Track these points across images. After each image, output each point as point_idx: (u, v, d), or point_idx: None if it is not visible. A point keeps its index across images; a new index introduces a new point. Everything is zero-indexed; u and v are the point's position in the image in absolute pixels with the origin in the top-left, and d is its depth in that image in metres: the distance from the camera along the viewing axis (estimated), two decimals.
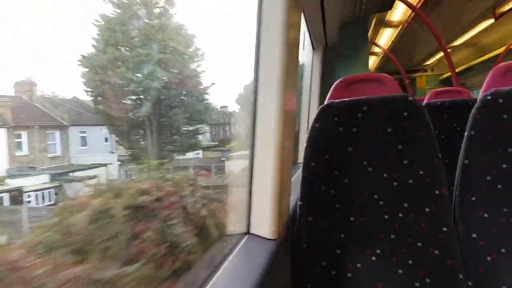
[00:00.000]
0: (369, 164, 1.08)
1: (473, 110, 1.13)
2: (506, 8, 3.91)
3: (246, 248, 0.93)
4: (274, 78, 0.91)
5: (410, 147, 1.06)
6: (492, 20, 4.33)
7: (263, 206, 0.95)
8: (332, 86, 1.25)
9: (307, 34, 2.56)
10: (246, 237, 0.97)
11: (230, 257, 0.84)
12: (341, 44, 3.07)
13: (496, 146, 1.10)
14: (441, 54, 4.82)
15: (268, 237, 0.95)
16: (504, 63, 1.24)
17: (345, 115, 1.08)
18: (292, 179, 1.15)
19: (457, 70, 6.89)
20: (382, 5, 2.87)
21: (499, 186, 1.09)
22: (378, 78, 1.24)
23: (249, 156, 0.99)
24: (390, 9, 3.10)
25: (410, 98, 1.06)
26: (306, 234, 1.09)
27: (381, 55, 6.56)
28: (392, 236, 1.06)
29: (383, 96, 1.09)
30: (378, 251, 1.06)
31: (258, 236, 0.97)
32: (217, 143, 9.54)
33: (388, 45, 5.68)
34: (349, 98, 1.11)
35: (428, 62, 7.84)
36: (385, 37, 5.36)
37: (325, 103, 1.12)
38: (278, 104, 0.91)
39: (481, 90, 1.23)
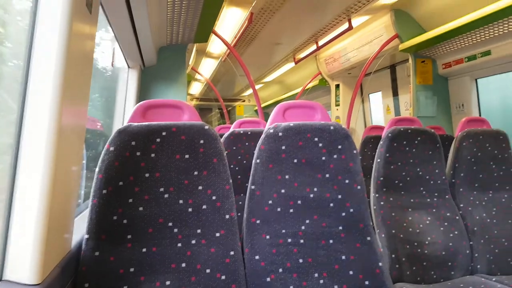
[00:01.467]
0: (166, 190, 1.07)
1: (259, 141, 1.26)
2: (302, 55, 4.65)
3: None
4: (50, 90, 0.78)
5: (205, 174, 1.10)
6: (293, 64, 5.06)
7: (24, 244, 0.77)
8: (133, 109, 1.18)
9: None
10: None
11: None
12: (160, 66, 3.02)
13: (277, 173, 1.23)
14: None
15: (29, 283, 0.76)
16: (285, 102, 1.39)
17: (144, 139, 1.06)
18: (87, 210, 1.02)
19: (269, 102, 7.90)
20: (198, 38, 2.95)
21: (279, 209, 1.22)
22: (178, 104, 1.23)
23: (9, 180, 0.80)
24: (206, 42, 3.22)
25: (207, 127, 1.11)
26: (91, 271, 0.97)
27: (205, 83, 6.84)
28: (183, 265, 1.05)
29: (182, 123, 1.11)
30: (167, 283, 1.03)
31: (15, 282, 0.77)
32: None
33: (210, 74, 5.95)
34: (149, 122, 1.09)
35: (246, 94, 8.68)
36: (208, 67, 5.59)
37: (123, 125, 1.07)
38: (54, 120, 0.78)
39: (267, 124, 1.33)
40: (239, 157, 2.01)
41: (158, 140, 1.07)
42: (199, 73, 5.50)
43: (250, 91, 8.20)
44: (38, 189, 0.77)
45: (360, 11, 3.15)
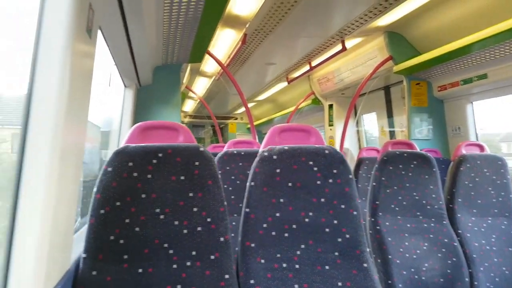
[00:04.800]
0: (161, 211, 1.07)
1: (253, 164, 1.26)
2: (295, 75, 4.63)
3: None
4: (52, 110, 0.80)
5: (200, 196, 1.10)
6: (286, 83, 5.04)
7: (27, 263, 0.77)
8: (130, 130, 1.18)
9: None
10: None
11: None
12: (155, 85, 3.06)
13: (271, 197, 1.23)
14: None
15: None
16: (279, 125, 1.39)
17: (141, 160, 1.07)
18: (83, 229, 1.02)
19: (261, 120, 7.87)
20: (193, 58, 2.96)
21: (273, 233, 1.22)
22: (175, 126, 1.24)
23: (12, 203, 0.80)
24: (200, 62, 3.22)
25: (202, 149, 1.12)
26: None
27: (198, 101, 6.81)
28: (179, 287, 1.04)
29: (177, 144, 1.12)
30: None
31: None
32: None
33: (203, 92, 5.91)
34: (146, 144, 1.11)
35: (238, 112, 8.69)
36: (201, 85, 5.58)
37: (121, 146, 1.10)
38: (57, 141, 0.80)
39: (261, 146, 1.33)
40: (233, 177, 2.00)
41: (154, 161, 1.08)
42: (192, 91, 5.47)
43: (242, 109, 8.20)
44: (40, 208, 0.78)
45: (353, 33, 3.15)
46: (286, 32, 3.19)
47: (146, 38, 2.00)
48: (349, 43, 3.47)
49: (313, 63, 4.09)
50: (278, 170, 1.24)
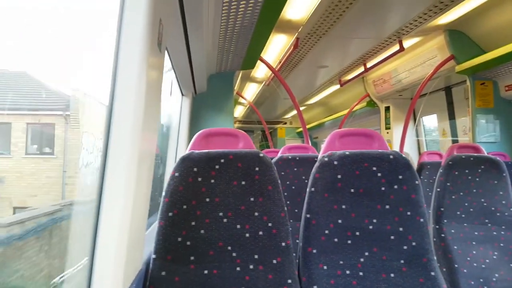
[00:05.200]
0: (224, 215, 1.10)
1: (313, 170, 1.25)
2: (349, 77, 4.51)
3: None
4: (131, 118, 0.85)
5: (260, 200, 1.11)
6: (338, 86, 4.93)
7: (107, 262, 0.83)
8: (194, 137, 1.23)
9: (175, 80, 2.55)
10: None
11: None
12: (209, 93, 3.15)
13: (333, 203, 1.22)
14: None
15: None
16: (340, 130, 1.36)
17: (204, 166, 1.11)
18: (149, 230, 1.08)
19: (312, 124, 7.76)
20: (246, 65, 2.99)
21: (336, 240, 1.21)
22: (235, 133, 1.27)
23: (96, 205, 0.87)
24: (253, 68, 3.24)
25: (261, 155, 1.14)
26: None
27: (247, 106, 6.88)
28: None
29: (239, 151, 1.15)
30: None
31: None
32: None
33: (253, 98, 5.96)
34: (209, 150, 1.14)
35: (288, 116, 8.66)
36: (251, 91, 5.63)
37: (186, 152, 1.14)
38: (135, 146, 0.85)
39: (321, 152, 1.31)
40: (288, 183, 2.01)
41: (217, 167, 1.11)
42: (243, 97, 5.54)
43: (291, 113, 8.15)
44: (120, 210, 0.83)
45: (411, 32, 3.02)
46: (340, 34, 3.12)
47: (204, 47, 2.06)
48: (407, 43, 3.33)
49: (368, 65, 3.96)
50: (339, 176, 1.23)
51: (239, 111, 7.98)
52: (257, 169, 1.12)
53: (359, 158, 1.23)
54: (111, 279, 0.80)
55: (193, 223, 1.08)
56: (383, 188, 1.22)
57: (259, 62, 3.29)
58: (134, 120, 0.84)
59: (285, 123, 9.04)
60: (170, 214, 1.07)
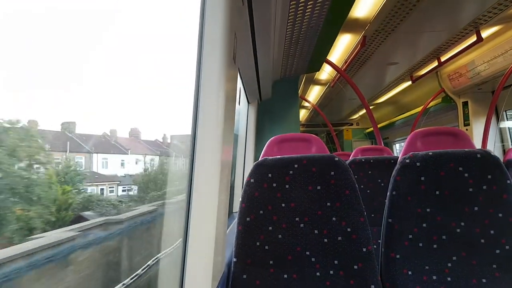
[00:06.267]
0: (301, 220, 1.10)
1: (394, 172, 1.21)
2: (421, 72, 4.29)
3: None
4: (212, 131, 0.91)
5: (338, 205, 1.10)
6: (409, 82, 4.70)
7: (198, 264, 0.89)
8: (266, 143, 1.26)
9: (241, 89, 2.60)
10: None
11: None
12: (274, 99, 3.19)
13: (416, 206, 1.17)
14: (365, 110, 5.20)
15: None
16: (421, 129, 1.31)
17: (278, 171, 1.12)
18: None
19: (381, 125, 7.43)
20: (311, 68, 2.97)
21: (420, 245, 1.16)
22: (307, 138, 1.28)
23: (185, 211, 0.94)
24: (318, 71, 3.22)
25: (337, 159, 1.12)
26: None
27: (311, 109, 6.83)
28: None
29: (312, 155, 1.14)
30: None
31: None
32: None
33: (317, 100, 5.90)
34: (282, 156, 1.15)
35: (354, 117, 8.36)
36: (314, 93, 5.58)
37: (259, 159, 1.16)
38: (217, 157, 0.91)
39: (401, 153, 1.28)
40: (362, 186, 1.97)
41: (291, 172, 1.12)
42: (307, 100, 5.51)
43: (357, 114, 7.90)
44: (206, 215, 0.89)
45: (490, 21, 2.79)
46: (410, 29, 2.96)
47: (270, 54, 2.08)
48: (485, 33, 3.09)
49: (443, 58, 3.71)
50: (422, 178, 1.17)
51: (301, 114, 7.90)
52: (332, 173, 1.11)
53: (443, 159, 1.17)
54: (201, 280, 0.86)
55: (270, 228, 1.10)
56: (470, 189, 1.15)
57: (323, 64, 3.28)
58: (215, 134, 0.90)
59: (351, 124, 8.75)
60: (248, 219, 1.09)
